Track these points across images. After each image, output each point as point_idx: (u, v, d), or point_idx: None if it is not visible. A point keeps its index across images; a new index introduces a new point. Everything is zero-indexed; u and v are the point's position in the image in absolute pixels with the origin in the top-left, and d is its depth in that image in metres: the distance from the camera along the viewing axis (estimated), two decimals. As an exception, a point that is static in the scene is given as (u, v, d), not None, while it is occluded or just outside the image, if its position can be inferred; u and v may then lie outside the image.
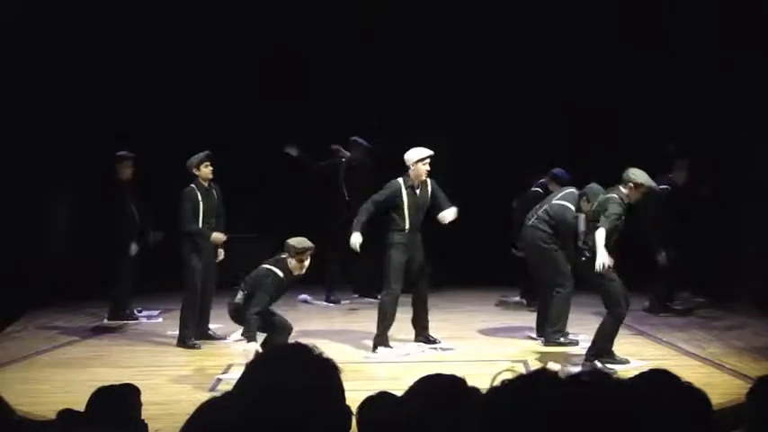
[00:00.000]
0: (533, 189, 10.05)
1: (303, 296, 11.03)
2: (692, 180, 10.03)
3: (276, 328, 7.48)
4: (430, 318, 8.81)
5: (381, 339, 8.36)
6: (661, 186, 9.07)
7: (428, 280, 8.70)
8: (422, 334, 8.67)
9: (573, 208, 8.45)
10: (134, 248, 9.77)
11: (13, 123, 10.02)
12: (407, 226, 8.38)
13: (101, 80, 11.25)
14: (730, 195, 10.56)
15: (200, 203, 8.81)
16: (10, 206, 9.84)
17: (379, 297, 10.97)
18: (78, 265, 11.06)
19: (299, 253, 7.41)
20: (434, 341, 8.64)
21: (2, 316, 9.33)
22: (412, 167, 8.34)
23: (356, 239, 8.29)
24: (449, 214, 8.43)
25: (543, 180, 9.89)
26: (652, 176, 7.89)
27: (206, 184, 8.87)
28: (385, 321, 8.38)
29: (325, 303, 11.02)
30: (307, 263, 7.48)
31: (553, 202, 8.67)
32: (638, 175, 7.60)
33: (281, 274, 7.44)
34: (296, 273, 7.49)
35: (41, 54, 10.79)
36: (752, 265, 10.38)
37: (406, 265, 8.41)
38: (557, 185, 9.26)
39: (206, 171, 8.84)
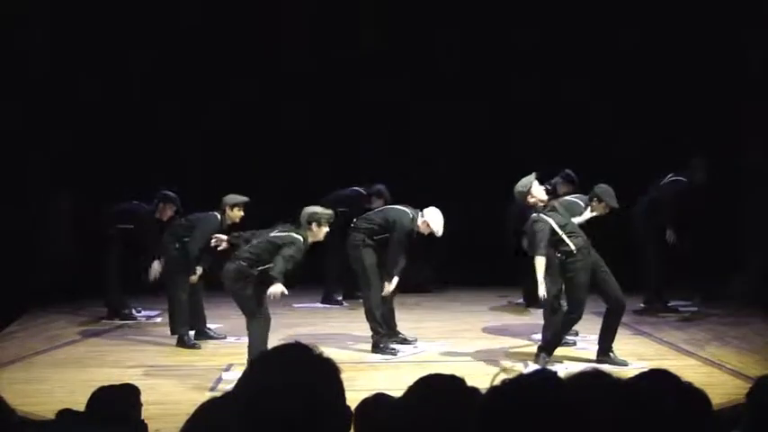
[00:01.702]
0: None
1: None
2: (708, 178, 9.93)
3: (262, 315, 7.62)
4: (431, 317, 8.86)
5: (384, 343, 8.38)
6: (675, 178, 9.73)
7: None
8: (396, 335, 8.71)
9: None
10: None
11: (13, 123, 10.03)
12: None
13: (100, 80, 11.26)
14: (730, 195, 10.57)
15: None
16: (10, 206, 9.85)
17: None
18: (78, 265, 11.06)
19: (325, 221, 7.66)
20: (407, 341, 8.66)
21: (2, 316, 9.34)
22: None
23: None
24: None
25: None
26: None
27: (227, 225, 8.69)
28: (382, 325, 8.42)
29: (321, 305, 11.01)
30: (325, 230, 7.70)
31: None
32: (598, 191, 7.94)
33: (301, 239, 7.60)
34: (311, 240, 7.67)
35: (42, 54, 10.81)
36: (752, 264, 10.38)
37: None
38: (570, 187, 9.25)
39: (237, 214, 8.67)
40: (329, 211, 7.81)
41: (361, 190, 10.69)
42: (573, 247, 7.57)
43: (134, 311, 10.11)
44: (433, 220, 8.35)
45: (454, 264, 11.66)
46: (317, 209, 7.77)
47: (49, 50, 10.95)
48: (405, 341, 8.63)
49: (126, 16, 11.23)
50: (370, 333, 8.65)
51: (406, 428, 2.43)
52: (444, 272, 11.57)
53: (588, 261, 7.62)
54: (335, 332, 9.28)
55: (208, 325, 9.16)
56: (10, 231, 9.78)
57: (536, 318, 9.29)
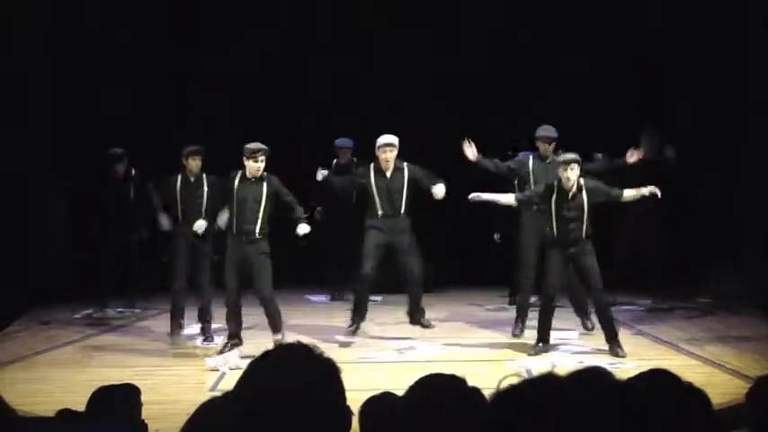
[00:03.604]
0: None
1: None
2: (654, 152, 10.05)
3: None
4: (431, 317, 8.87)
5: (352, 328, 8.56)
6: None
7: (417, 264, 8.68)
8: (414, 318, 8.76)
9: None
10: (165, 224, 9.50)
11: (12, 123, 10.03)
12: (380, 211, 8.49)
13: (99, 79, 11.26)
14: (730, 194, 10.58)
15: (178, 193, 8.92)
16: (10, 206, 9.84)
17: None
18: (78, 264, 11.07)
19: (252, 153, 7.92)
20: (427, 325, 8.76)
21: (2, 316, 9.33)
22: (377, 153, 8.51)
23: (320, 175, 8.73)
24: (438, 191, 8.43)
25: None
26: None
27: (192, 177, 8.94)
28: (355, 308, 8.60)
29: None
30: (260, 165, 7.96)
31: None
32: None
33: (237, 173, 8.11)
34: (250, 174, 8.01)
35: (39, 52, 10.81)
36: (752, 264, 10.38)
37: (386, 250, 8.53)
38: None
39: (192, 164, 8.92)
40: (251, 145, 7.95)
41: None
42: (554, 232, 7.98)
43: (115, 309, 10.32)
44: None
45: (454, 264, 11.65)
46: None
47: (49, 51, 10.95)
48: (426, 326, 8.79)
49: (124, 17, 11.23)
50: (370, 332, 8.68)
51: (407, 428, 2.42)
52: (444, 272, 11.56)
53: (564, 248, 7.92)
54: (335, 332, 9.27)
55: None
56: (10, 231, 9.78)
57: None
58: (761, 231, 10.27)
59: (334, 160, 10.84)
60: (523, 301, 8.95)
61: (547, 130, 8.83)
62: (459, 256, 11.73)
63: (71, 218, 11.34)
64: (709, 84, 10.55)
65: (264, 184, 8.03)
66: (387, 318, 9.68)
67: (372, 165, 8.58)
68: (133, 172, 10.21)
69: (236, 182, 8.04)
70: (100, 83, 11.27)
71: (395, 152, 8.47)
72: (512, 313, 9.37)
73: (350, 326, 8.61)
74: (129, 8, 11.24)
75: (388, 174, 8.50)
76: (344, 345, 8.56)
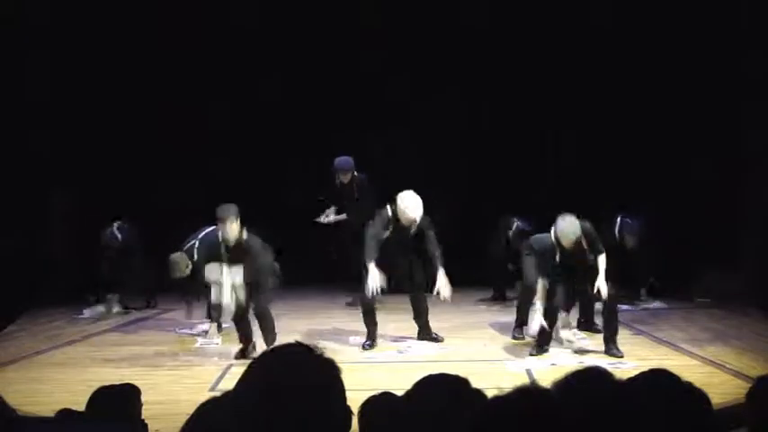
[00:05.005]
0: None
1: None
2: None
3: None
4: (431, 317, 8.88)
5: (368, 341, 8.56)
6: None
7: (415, 279, 8.77)
8: (423, 331, 8.77)
9: None
10: None
11: (12, 123, 10.04)
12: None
13: (98, 79, 11.27)
14: (730, 195, 10.58)
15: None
16: (10, 206, 9.85)
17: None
18: (78, 265, 11.09)
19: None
20: (436, 339, 8.74)
21: (2, 316, 9.34)
22: (401, 206, 8.38)
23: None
24: (442, 288, 8.41)
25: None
26: None
27: None
28: (366, 323, 8.60)
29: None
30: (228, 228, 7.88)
31: None
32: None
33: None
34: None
35: (41, 55, 10.82)
36: (752, 264, 10.38)
37: (390, 267, 8.52)
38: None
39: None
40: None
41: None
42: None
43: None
44: (409, 204, 8.28)
45: (454, 264, 11.63)
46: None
47: (48, 51, 10.95)
48: (435, 340, 8.74)
49: (125, 20, 11.24)
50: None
51: (407, 428, 2.42)
52: (444, 272, 11.54)
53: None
54: (335, 332, 9.28)
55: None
56: (10, 231, 9.79)
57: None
58: (760, 231, 10.26)
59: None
60: (522, 306, 8.85)
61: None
62: (458, 257, 11.71)
63: (71, 218, 11.35)
64: (709, 83, 10.55)
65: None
66: (387, 318, 9.68)
67: (391, 210, 8.48)
68: (119, 237, 10.37)
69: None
70: (100, 83, 11.27)
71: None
72: (511, 313, 9.38)
73: (366, 341, 8.58)
74: (130, 9, 11.24)
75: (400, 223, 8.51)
76: (344, 345, 8.57)
